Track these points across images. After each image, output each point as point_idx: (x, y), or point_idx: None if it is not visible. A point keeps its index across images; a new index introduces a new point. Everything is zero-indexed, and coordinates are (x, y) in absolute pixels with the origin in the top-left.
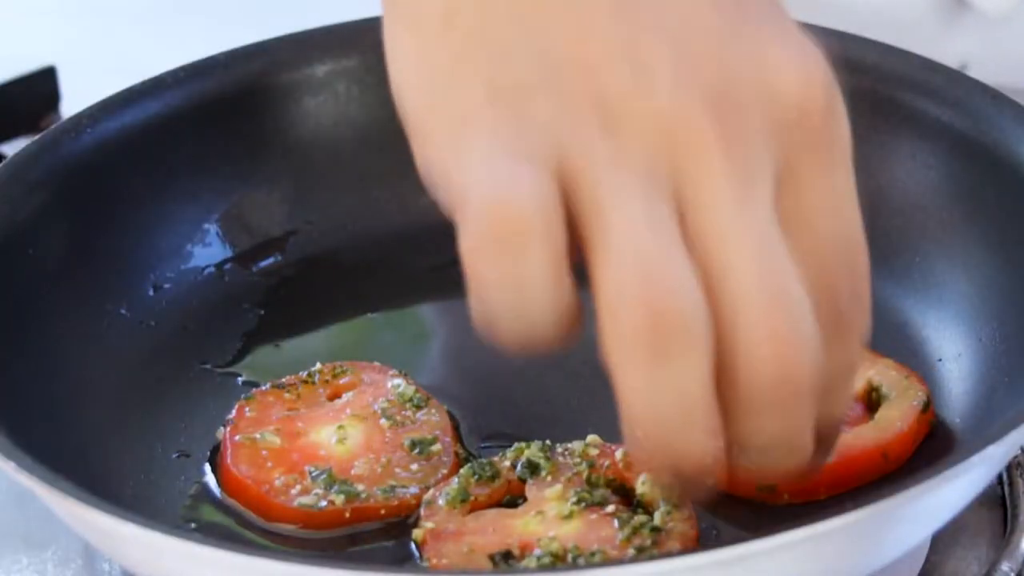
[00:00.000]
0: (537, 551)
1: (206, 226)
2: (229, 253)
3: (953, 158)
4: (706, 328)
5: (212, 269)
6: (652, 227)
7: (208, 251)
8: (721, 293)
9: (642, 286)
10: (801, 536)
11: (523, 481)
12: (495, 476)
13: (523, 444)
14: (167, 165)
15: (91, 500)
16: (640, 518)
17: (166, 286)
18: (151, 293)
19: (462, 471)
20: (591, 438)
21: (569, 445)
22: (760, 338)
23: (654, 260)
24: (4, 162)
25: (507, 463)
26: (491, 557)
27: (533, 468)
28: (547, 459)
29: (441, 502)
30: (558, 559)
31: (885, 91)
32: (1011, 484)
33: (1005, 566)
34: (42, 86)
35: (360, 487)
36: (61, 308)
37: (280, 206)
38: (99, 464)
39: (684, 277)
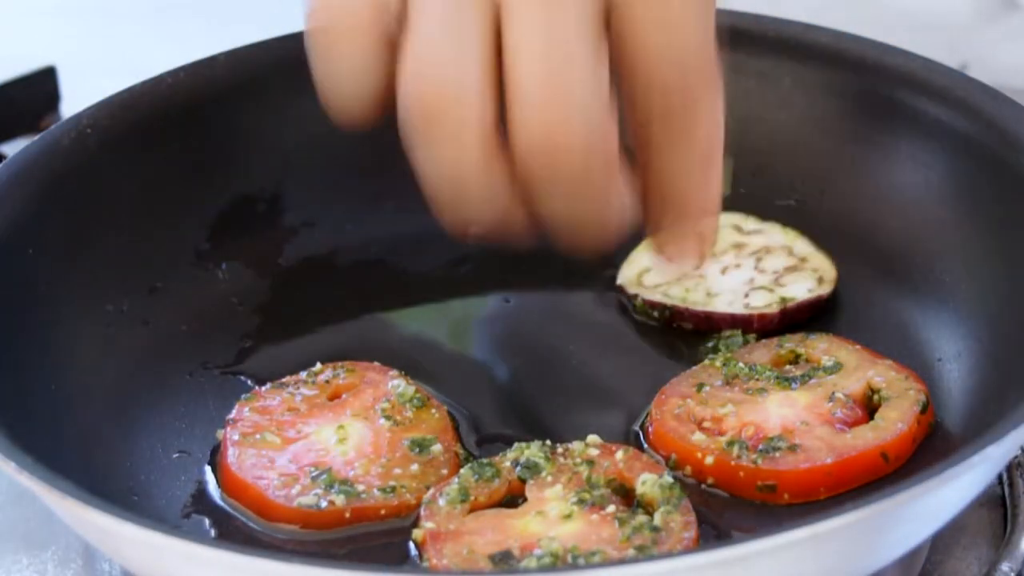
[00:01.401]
0: (537, 551)
1: (206, 226)
2: (229, 253)
3: (953, 158)
4: (480, 109)
5: (212, 269)
6: (445, 22)
7: (208, 251)
8: (508, 77)
9: (414, 74)
10: (801, 536)
11: (523, 481)
12: (495, 476)
13: (523, 444)
14: (167, 165)
15: (91, 500)
16: (640, 518)
17: (166, 286)
18: (151, 293)
19: (462, 471)
20: (591, 438)
21: (569, 445)
22: (531, 108)
23: (434, 52)
24: (4, 162)
25: (507, 463)
26: (491, 557)
27: (533, 468)
28: (547, 459)
29: (441, 502)
30: (558, 559)
31: (885, 91)
32: (1011, 484)
33: (1005, 566)
34: (42, 86)
35: (360, 487)
36: (61, 308)
37: (280, 206)
38: (99, 464)
39: (461, 64)
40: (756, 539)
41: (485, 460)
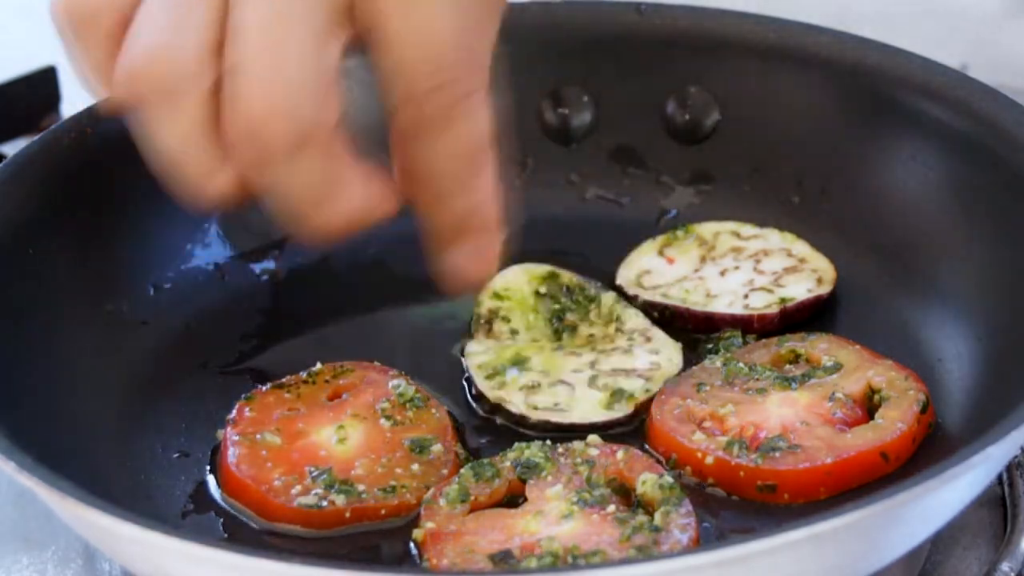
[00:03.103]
0: (537, 551)
1: (206, 226)
2: (229, 253)
3: (953, 158)
4: (197, 77)
5: (212, 269)
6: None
7: (208, 251)
8: (226, 52)
9: (136, 48)
10: (801, 536)
11: (523, 481)
12: (495, 476)
13: (523, 444)
14: None
15: (91, 500)
16: (640, 518)
17: (166, 286)
18: (151, 293)
19: (462, 471)
20: (591, 438)
21: (569, 445)
22: (242, 79)
23: (155, 25)
24: (4, 162)
25: (507, 463)
26: (491, 557)
27: (533, 468)
28: (547, 459)
29: (441, 502)
30: (558, 559)
31: (885, 91)
32: (1011, 484)
33: (1005, 566)
34: (42, 86)
35: (360, 487)
36: (61, 308)
37: None
38: (99, 464)
39: (181, 36)
40: (756, 539)
41: (485, 460)
